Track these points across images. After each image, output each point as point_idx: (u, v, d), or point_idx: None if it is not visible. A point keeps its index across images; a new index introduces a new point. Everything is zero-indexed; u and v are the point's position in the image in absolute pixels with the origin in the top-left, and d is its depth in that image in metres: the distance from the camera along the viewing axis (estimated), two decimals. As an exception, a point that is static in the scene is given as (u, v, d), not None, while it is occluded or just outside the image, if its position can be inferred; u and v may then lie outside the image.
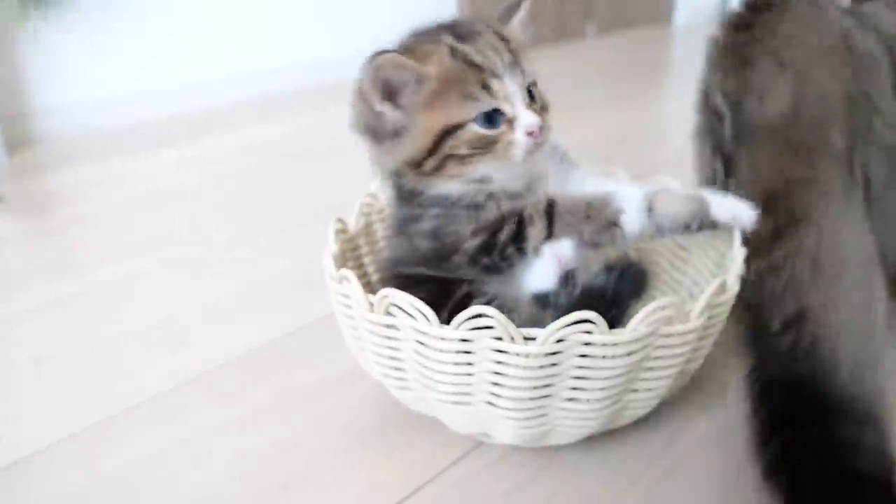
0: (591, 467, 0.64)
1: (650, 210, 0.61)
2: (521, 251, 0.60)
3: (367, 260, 0.78)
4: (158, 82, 2.06)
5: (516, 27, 0.65)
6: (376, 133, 0.61)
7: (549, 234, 0.59)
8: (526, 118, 0.58)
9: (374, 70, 0.57)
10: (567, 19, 2.86)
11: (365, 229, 0.78)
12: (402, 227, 0.65)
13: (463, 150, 0.58)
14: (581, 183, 0.67)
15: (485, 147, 0.58)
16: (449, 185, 0.61)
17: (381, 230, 0.79)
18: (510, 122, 0.58)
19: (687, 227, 0.63)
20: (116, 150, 1.79)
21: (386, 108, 0.59)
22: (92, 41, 1.91)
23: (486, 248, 0.60)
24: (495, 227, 0.60)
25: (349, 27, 2.24)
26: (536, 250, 0.59)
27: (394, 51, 0.57)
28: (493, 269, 0.61)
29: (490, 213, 0.61)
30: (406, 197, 0.64)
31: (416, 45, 0.60)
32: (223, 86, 2.17)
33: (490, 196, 0.61)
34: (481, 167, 0.59)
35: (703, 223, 0.63)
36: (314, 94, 2.26)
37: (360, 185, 0.79)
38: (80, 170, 1.65)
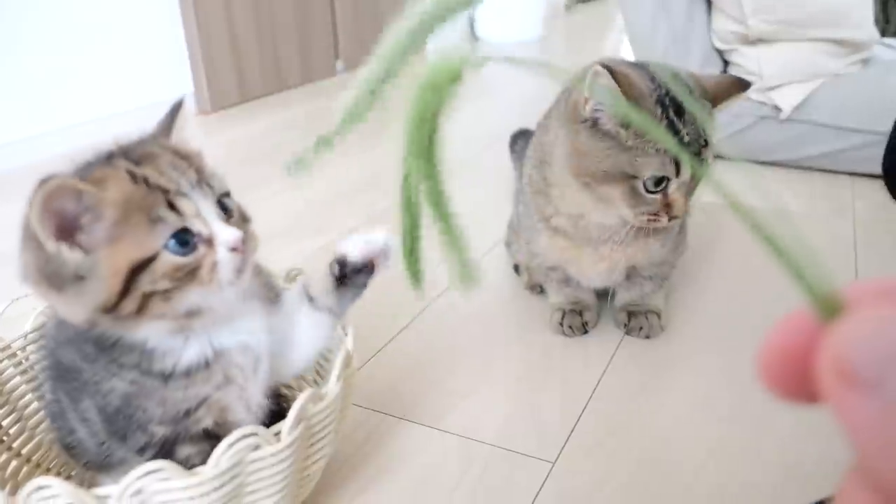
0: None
1: (311, 299, 0.66)
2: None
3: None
4: None
5: (181, 134, 0.61)
6: (54, 280, 0.52)
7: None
8: (225, 234, 0.54)
9: (44, 200, 0.48)
10: (315, 60, 2.87)
11: (-11, 375, 0.73)
12: (90, 386, 0.59)
13: (162, 285, 0.52)
14: (288, 317, 0.67)
15: (187, 276, 0.53)
16: (151, 328, 0.55)
17: (12, 371, 0.74)
18: (209, 242, 0.54)
19: (340, 282, 0.66)
20: None
21: (62, 249, 0.50)
22: None
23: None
24: (178, 432, 0.59)
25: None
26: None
27: (64, 176, 0.50)
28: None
29: (180, 401, 0.58)
30: (102, 347, 0.57)
31: (88, 172, 0.53)
32: None
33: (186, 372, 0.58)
34: (187, 298, 0.54)
35: (347, 267, 0.65)
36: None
37: None
38: None
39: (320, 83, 2.89)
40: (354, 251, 0.65)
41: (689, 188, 0.82)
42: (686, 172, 0.79)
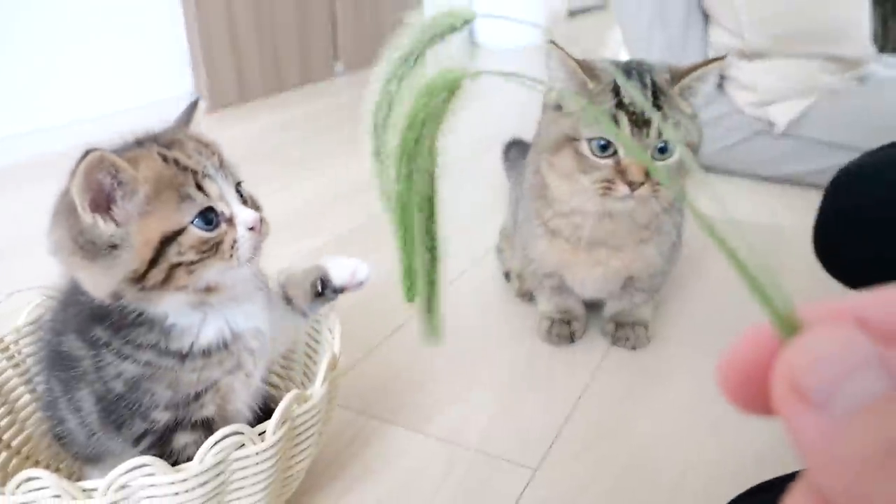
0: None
1: (288, 300, 0.71)
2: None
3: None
4: None
5: (199, 127, 0.65)
6: (88, 249, 0.55)
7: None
8: (245, 214, 0.59)
9: (87, 169, 0.53)
10: (314, 61, 2.89)
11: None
12: (94, 370, 0.61)
13: (189, 256, 0.56)
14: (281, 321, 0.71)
15: (210, 249, 0.57)
16: (173, 300, 0.58)
17: (5, 364, 0.75)
18: (230, 221, 0.59)
19: (317, 295, 0.72)
20: None
21: (98, 220, 0.55)
22: None
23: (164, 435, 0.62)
24: (182, 417, 0.62)
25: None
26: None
27: (105, 149, 0.54)
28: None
29: (192, 383, 0.61)
30: (118, 328, 0.59)
31: (122, 153, 0.57)
32: None
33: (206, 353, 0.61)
34: (207, 273, 0.58)
35: (328, 287, 0.72)
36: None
37: None
38: None
39: (319, 84, 2.90)
40: (339, 277, 0.72)
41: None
42: (625, 131, 0.80)
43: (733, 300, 1.14)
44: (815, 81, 1.58)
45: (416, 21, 0.42)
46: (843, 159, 1.52)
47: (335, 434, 0.85)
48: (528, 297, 1.16)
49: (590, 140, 0.81)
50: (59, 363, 0.64)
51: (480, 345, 1.06)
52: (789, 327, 0.19)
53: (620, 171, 0.81)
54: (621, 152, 0.81)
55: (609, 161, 0.81)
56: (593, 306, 1.10)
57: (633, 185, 0.80)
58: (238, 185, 0.62)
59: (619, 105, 0.80)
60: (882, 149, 0.90)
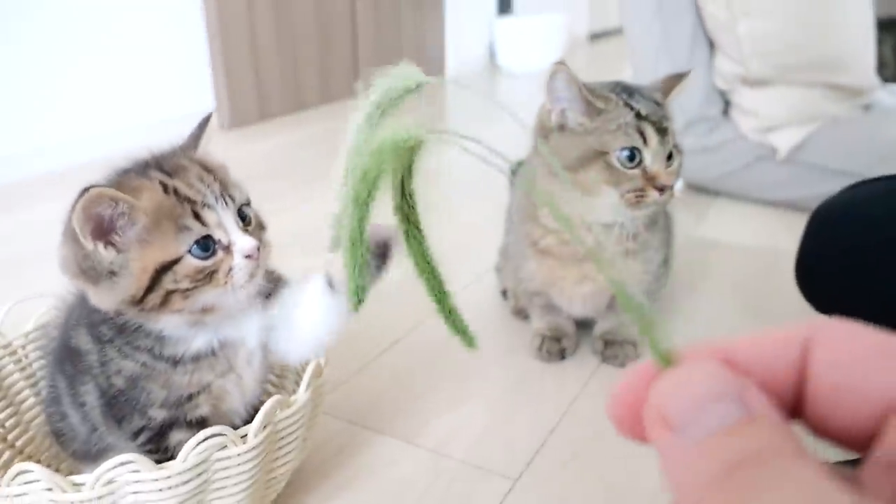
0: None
1: (332, 285, 0.69)
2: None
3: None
4: None
5: (207, 150, 0.67)
6: (90, 274, 0.59)
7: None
8: (242, 242, 0.61)
9: (84, 206, 0.55)
10: (335, 80, 2.96)
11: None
12: (99, 364, 0.66)
13: (184, 284, 0.59)
14: (297, 304, 0.69)
15: (206, 277, 0.60)
16: (171, 319, 0.62)
17: (12, 367, 0.79)
18: (227, 248, 0.61)
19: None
20: None
21: (98, 247, 0.58)
22: None
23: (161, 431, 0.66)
24: (176, 416, 0.65)
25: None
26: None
27: (105, 185, 0.58)
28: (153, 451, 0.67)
29: (184, 385, 0.65)
30: (121, 330, 0.64)
31: (126, 181, 0.60)
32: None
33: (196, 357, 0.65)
34: (203, 297, 0.60)
35: None
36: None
37: None
38: None
39: (338, 103, 2.96)
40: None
41: (669, 165, 0.87)
42: (653, 140, 0.84)
43: (722, 320, 1.16)
44: (817, 109, 1.60)
45: (379, 83, 0.46)
46: (844, 186, 1.54)
47: (324, 442, 0.88)
48: (522, 314, 1.18)
49: (620, 151, 0.85)
50: (67, 358, 0.68)
51: (475, 360, 1.08)
52: (667, 363, 0.22)
53: (649, 179, 0.85)
54: (647, 160, 0.85)
55: (636, 171, 0.85)
56: (585, 325, 1.12)
57: (663, 190, 0.85)
58: (243, 206, 0.64)
59: (639, 116, 0.85)
60: (862, 183, 0.92)
